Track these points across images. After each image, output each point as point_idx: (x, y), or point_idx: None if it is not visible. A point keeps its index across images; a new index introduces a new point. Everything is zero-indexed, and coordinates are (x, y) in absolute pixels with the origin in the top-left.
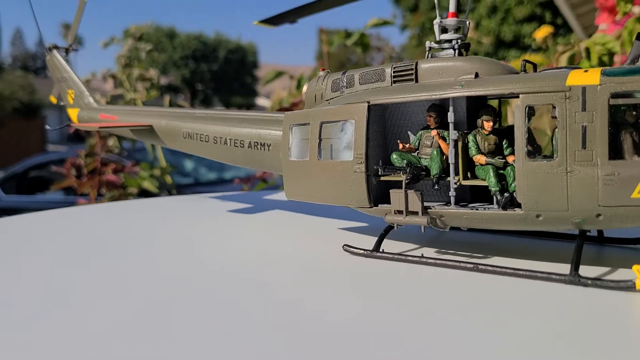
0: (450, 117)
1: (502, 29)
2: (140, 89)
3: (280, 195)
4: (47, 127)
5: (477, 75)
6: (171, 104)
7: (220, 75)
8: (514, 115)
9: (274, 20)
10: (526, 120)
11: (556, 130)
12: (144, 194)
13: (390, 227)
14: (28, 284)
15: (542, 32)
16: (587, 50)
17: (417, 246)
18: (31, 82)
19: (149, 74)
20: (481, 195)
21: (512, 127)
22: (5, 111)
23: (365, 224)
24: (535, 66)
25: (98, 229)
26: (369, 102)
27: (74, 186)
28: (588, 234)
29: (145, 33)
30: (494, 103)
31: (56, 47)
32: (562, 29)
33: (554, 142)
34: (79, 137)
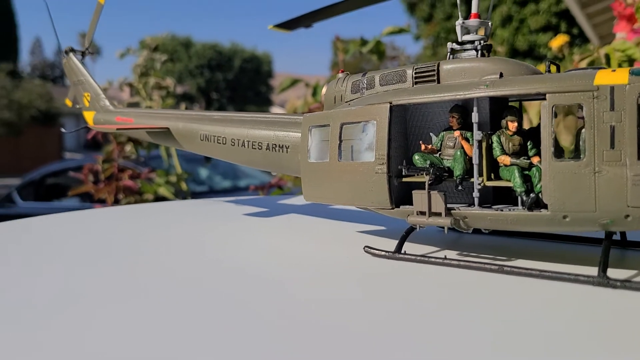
0: (475, 117)
1: (516, 38)
2: (156, 98)
3: (295, 200)
4: (62, 130)
5: (501, 75)
6: None
7: (235, 84)
8: (541, 115)
9: (289, 25)
10: (553, 120)
11: (583, 130)
12: (160, 200)
13: (411, 229)
14: (41, 283)
15: (558, 41)
16: (607, 57)
17: (438, 248)
18: (49, 90)
19: (165, 82)
20: (503, 198)
21: (533, 129)
22: (23, 119)
23: (383, 227)
24: (558, 67)
25: (115, 230)
26: (391, 103)
27: (91, 192)
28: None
29: (161, 44)
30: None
31: (73, 50)
32: (577, 39)
33: (581, 142)
34: (95, 144)
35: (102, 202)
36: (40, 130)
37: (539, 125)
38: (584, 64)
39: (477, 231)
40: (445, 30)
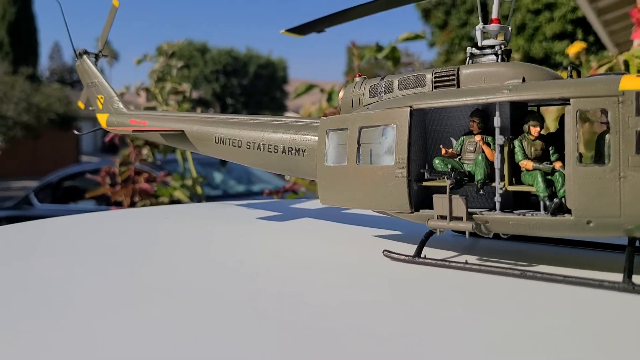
0: (497, 121)
1: (531, 45)
2: (173, 103)
3: (309, 204)
4: (75, 132)
5: (524, 80)
6: None
7: (250, 90)
8: (565, 120)
9: (301, 30)
10: (577, 125)
11: (607, 135)
12: (175, 203)
13: (430, 234)
14: (54, 282)
15: (575, 48)
16: (626, 63)
17: (457, 253)
18: (67, 94)
19: (182, 87)
20: (521, 202)
21: (554, 134)
22: (42, 122)
23: (399, 232)
24: (579, 73)
25: (130, 231)
26: (411, 107)
27: (108, 194)
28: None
29: (177, 50)
30: None
31: (86, 53)
32: (594, 46)
33: (605, 147)
34: (112, 147)
35: (119, 204)
36: (58, 134)
37: (558, 130)
38: (602, 71)
39: (494, 236)
40: (459, 37)
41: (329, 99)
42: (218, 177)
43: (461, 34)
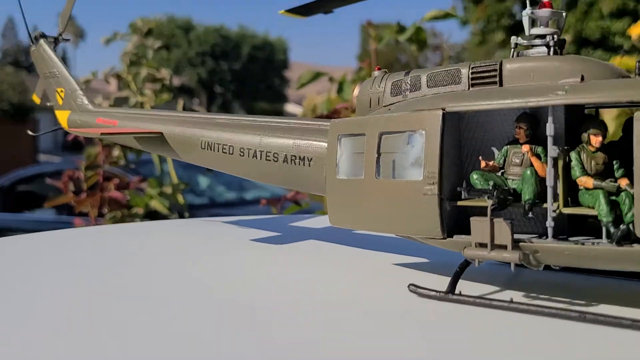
0: (550, 129)
1: (585, 24)
2: (149, 92)
3: (312, 222)
4: (29, 132)
5: (582, 78)
6: (185, 110)
7: (243, 76)
8: (634, 129)
9: (304, 10)
10: None
11: None
12: (151, 215)
13: (466, 264)
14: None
15: (639, 29)
16: None
17: (497, 288)
18: (23, 79)
19: (160, 74)
20: (580, 228)
21: (616, 143)
22: None
23: (426, 260)
24: None
25: (92, 258)
26: (444, 109)
27: (71, 203)
28: None
29: (155, 27)
30: None
31: (44, 37)
32: None
33: None
34: (77, 145)
35: (84, 215)
36: (10, 128)
37: (622, 138)
38: None
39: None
40: (497, 14)
41: (340, 89)
42: (204, 182)
43: (500, 9)
